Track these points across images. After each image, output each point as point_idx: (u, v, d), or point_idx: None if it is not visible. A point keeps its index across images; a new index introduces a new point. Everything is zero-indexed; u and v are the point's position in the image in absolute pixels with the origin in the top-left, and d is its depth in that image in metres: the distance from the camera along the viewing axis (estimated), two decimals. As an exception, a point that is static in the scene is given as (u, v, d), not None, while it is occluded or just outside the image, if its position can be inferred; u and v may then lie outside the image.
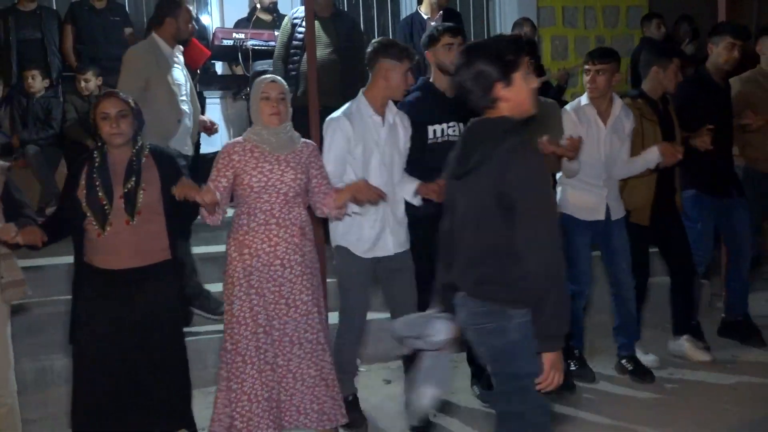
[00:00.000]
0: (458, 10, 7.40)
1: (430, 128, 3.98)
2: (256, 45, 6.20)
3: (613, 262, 4.45)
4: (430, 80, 4.11)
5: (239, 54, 6.21)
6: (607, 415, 4.03)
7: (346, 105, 3.86)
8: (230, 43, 6.22)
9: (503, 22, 7.77)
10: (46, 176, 5.85)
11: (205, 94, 6.75)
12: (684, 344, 4.73)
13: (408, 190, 3.83)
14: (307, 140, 3.67)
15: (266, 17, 6.45)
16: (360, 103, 3.81)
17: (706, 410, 4.06)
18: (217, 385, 3.52)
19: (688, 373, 4.57)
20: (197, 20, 6.61)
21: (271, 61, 5.69)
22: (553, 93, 5.97)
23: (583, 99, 4.39)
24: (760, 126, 4.90)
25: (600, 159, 4.28)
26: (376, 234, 3.80)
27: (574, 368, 4.42)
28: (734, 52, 4.75)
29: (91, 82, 5.97)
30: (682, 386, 4.41)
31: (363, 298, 3.91)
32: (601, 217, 4.34)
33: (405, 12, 7.35)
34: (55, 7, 6.68)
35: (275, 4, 6.56)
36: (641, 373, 4.45)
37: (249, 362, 3.40)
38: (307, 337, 3.48)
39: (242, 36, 6.23)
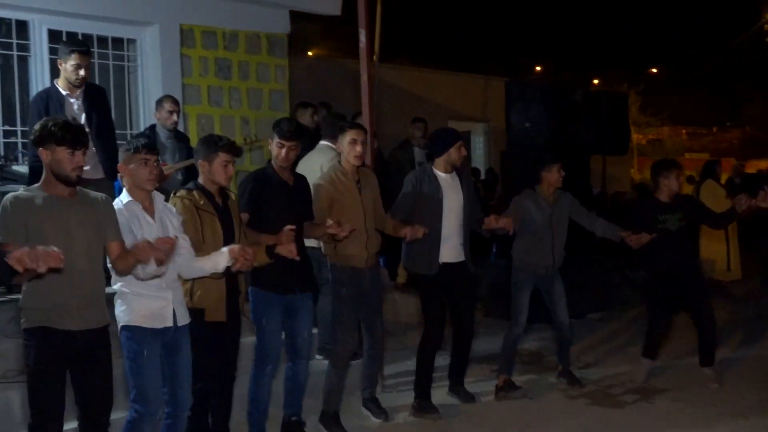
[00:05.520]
0: (97, 81, 6.95)
1: None
2: None
3: (173, 382, 4.12)
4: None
5: None
6: None
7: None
8: None
9: (147, 97, 7.49)
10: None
11: None
12: None
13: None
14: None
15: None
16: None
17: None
18: None
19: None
20: None
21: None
22: None
23: (124, 197, 4.02)
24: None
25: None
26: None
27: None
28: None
29: None
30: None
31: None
32: (169, 323, 4.03)
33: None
34: None
35: None
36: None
37: None
38: None
39: None
